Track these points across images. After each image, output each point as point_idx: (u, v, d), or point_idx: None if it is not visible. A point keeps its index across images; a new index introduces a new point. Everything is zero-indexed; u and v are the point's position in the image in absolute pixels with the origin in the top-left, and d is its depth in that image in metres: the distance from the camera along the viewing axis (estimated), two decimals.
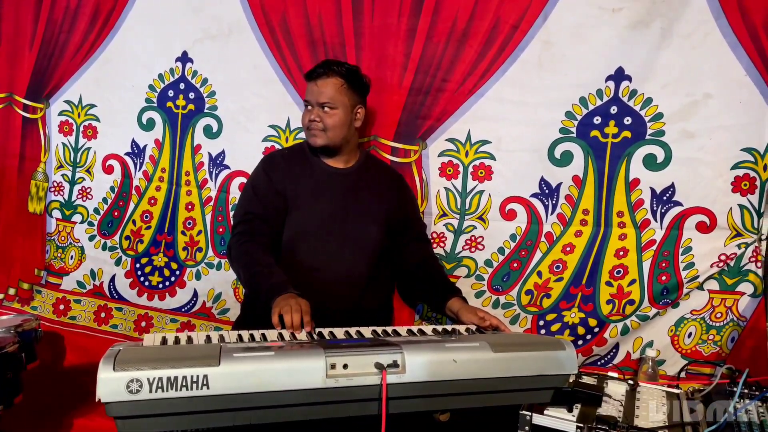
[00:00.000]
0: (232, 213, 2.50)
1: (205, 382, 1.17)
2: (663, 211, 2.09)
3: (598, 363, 2.20)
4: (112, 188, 2.68)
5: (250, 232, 1.97)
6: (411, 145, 2.31)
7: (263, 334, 1.55)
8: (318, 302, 1.81)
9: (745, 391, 1.66)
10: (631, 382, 1.76)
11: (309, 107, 2.04)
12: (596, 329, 2.17)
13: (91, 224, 2.72)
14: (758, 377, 1.78)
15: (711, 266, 2.06)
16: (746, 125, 1.98)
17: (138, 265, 2.65)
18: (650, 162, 2.08)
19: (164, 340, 1.44)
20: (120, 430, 1.20)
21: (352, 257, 2.00)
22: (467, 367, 1.35)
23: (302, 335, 1.55)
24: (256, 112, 2.46)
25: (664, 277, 2.10)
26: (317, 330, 1.61)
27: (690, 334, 2.10)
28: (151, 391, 1.15)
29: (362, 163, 2.15)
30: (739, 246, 2.03)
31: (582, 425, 1.46)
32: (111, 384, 1.14)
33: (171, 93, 2.56)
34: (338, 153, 2.08)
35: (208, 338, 1.49)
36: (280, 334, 1.56)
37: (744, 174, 2.00)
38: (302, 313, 1.60)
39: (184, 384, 1.16)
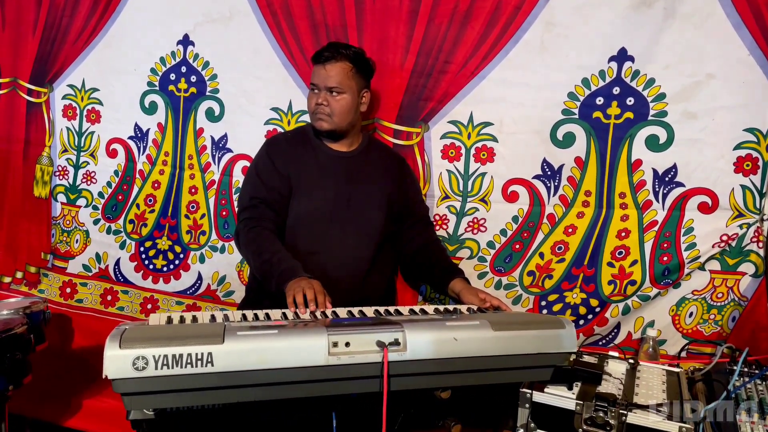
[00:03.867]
0: (235, 196, 2.51)
1: (209, 360, 1.20)
2: (665, 191, 2.09)
3: (600, 343, 2.21)
4: (116, 172, 2.69)
5: (257, 217, 1.98)
6: (413, 128, 2.31)
7: (267, 314, 1.57)
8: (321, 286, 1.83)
9: (745, 369, 1.67)
10: (631, 361, 1.77)
11: (315, 90, 2.03)
12: (598, 309, 2.18)
13: (95, 208, 2.73)
14: (758, 356, 1.79)
15: (712, 246, 2.06)
16: (749, 105, 1.98)
17: (142, 249, 2.67)
18: (652, 143, 2.07)
19: (169, 320, 1.47)
20: (126, 407, 1.23)
21: (355, 241, 2.01)
22: (468, 345, 1.36)
23: (306, 314, 1.57)
24: (258, 95, 2.46)
25: (665, 258, 2.10)
26: (319, 309, 1.63)
27: (691, 314, 2.12)
28: (156, 368, 1.17)
29: (365, 146, 2.15)
30: (740, 226, 2.03)
31: (581, 402, 1.47)
32: (117, 361, 1.16)
33: (173, 76, 2.56)
34: (343, 137, 2.09)
35: (213, 317, 1.51)
36: (284, 314, 1.58)
37: (746, 154, 2.00)
38: (316, 292, 1.62)
39: (188, 361, 1.19)
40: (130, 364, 1.16)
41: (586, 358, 1.75)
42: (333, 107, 2.01)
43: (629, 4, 2.02)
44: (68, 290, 2.77)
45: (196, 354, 1.19)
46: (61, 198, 2.79)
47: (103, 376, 1.16)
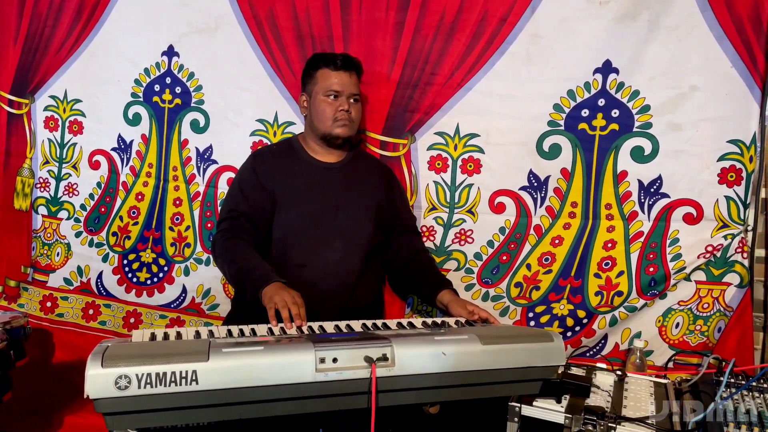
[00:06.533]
0: (221, 209, 2.49)
1: (194, 378, 1.17)
2: (650, 203, 2.10)
3: (587, 354, 2.21)
4: (98, 184, 2.66)
5: (234, 229, 1.96)
6: (400, 139, 2.30)
7: (253, 329, 1.55)
8: (310, 298, 1.81)
9: (732, 380, 1.68)
10: (619, 372, 1.77)
11: (334, 97, 2.02)
12: (585, 321, 2.18)
13: (77, 220, 2.69)
14: (744, 366, 1.80)
15: (698, 257, 2.07)
16: (732, 117, 2.00)
17: (125, 262, 2.63)
18: (638, 154, 2.09)
19: (153, 336, 1.44)
20: (109, 427, 1.19)
21: (343, 252, 2.00)
22: (456, 360, 1.35)
23: (293, 330, 1.55)
24: (244, 106, 2.44)
25: (651, 269, 2.11)
26: (307, 324, 1.61)
27: (677, 325, 2.12)
28: (139, 387, 1.14)
29: (352, 157, 2.15)
30: (725, 237, 2.05)
31: (570, 416, 1.47)
32: (99, 380, 1.13)
33: (157, 87, 2.53)
34: (344, 146, 2.09)
35: (198, 334, 1.48)
36: (270, 329, 1.56)
37: (730, 165, 2.02)
38: (298, 306, 1.61)
39: (173, 379, 1.16)
40: (113, 383, 1.13)
41: (574, 370, 1.74)
42: (354, 114, 2.04)
43: (614, 17, 2.04)
44: (49, 304, 2.72)
45: (181, 372, 1.16)
46: (42, 210, 2.74)
47: (85, 396, 1.13)
